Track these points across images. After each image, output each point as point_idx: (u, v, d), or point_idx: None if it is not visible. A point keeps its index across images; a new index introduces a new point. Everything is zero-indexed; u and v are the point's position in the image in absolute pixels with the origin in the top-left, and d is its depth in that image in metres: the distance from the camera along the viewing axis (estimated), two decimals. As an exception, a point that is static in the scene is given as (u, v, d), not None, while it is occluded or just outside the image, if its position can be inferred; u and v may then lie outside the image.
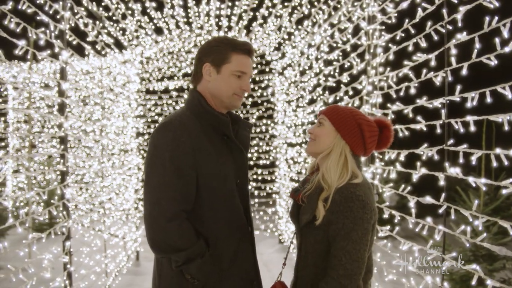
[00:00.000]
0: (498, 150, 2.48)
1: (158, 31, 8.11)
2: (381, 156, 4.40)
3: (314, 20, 6.64)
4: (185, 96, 11.20)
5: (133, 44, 7.94)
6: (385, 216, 4.10)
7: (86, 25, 5.45)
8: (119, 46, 7.36)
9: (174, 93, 11.37)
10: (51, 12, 4.28)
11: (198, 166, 2.37)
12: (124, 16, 6.96)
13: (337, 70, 5.65)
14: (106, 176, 6.83)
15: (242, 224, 2.58)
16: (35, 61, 8.77)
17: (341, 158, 2.39)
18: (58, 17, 4.42)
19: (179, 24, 7.97)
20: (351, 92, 5.05)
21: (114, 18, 6.70)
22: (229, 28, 8.36)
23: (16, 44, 3.71)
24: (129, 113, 8.20)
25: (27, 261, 3.67)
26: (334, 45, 5.80)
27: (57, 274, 4.50)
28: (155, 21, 7.60)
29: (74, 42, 4.93)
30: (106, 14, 6.41)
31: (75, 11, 4.92)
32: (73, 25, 4.79)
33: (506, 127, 2.44)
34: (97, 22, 5.94)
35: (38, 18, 4.12)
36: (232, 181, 2.55)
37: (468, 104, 2.78)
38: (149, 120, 11.75)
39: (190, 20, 7.91)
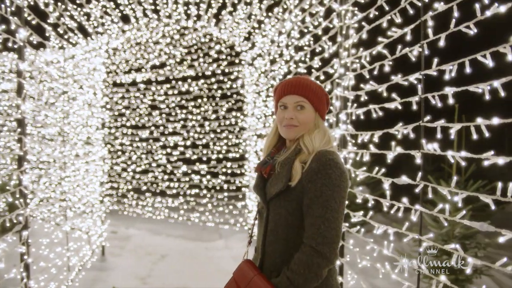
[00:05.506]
0: (479, 120, 2.36)
1: (125, 19, 7.85)
2: (353, 141, 4.27)
3: (285, 6, 6.50)
4: (153, 88, 10.99)
5: (99, 31, 7.67)
6: (358, 200, 3.97)
7: (46, 5, 5.19)
8: (84, 32, 7.08)
9: (142, 86, 11.14)
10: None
11: None
12: (88, 0, 6.69)
13: (308, 56, 5.52)
14: (68, 166, 6.55)
15: None
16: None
17: (321, 131, 2.35)
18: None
19: (146, 12, 7.73)
20: (322, 77, 4.92)
21: (77, 1, 6.43)
22: (198, 17, 8.16)
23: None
24: (94, 103, 7.93)
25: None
26: (305, 30, 5.66)
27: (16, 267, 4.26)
28: (121, 7, 7.35)
29: (34, 22, 4.67)
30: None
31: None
32: (32, 3, 4.53)
33: (487, 96, 2.33)
34: (59, 4, 5.66)
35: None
36: None
37: (446, 77, 2.66)
38: (116, 113, 11.50)
39: (158, 7, 7.68)
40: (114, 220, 10.22)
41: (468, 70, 2.47)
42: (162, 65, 10.92)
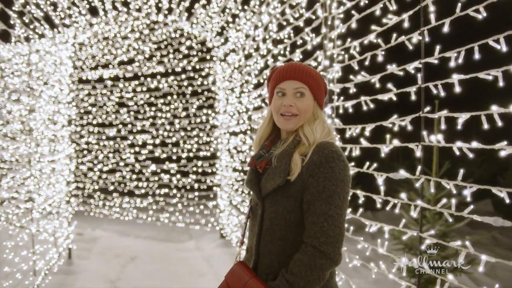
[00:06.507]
0: (494, 108, 2.20)
1: (93, 11, 7.52)
2: (338, 135, 4.11)
3: (262, -1, 6.31)
4: (121, 85, 10.67)
5: (66, 24, 7.32)
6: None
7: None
8: (50, 23, 6.73)
9: (109, 82, 10.80)
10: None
11: None
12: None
13: (288, 49, 5.34)
14: (33, 164, 6.21)
15: None
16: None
17: (321, 121, 2.18)
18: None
19: (115, 4, 7.43)
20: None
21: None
22: (170, 10, 7.90)
23: None
24: (60, 98, 7.58)
25: None
26: (285, 23, 5.48)
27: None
28: (89, -1, 7.04)
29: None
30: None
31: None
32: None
33: (501, 83, 2.18)
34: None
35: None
36: None
37: (452, 64, 2.51)
38: (82, 111, 11.13)
39: (128, 0, 7.39)
40: (79, 222, 9.85)
41: (477, 56, 2.32)
42: (131, 61, 10.58)
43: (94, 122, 11.12)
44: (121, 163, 11.04)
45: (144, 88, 10.56)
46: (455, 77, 2.47)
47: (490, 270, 6.75)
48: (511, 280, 6.50)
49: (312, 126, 2.13)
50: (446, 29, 2.58)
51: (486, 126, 2.24)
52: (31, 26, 5.90)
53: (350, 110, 3.79)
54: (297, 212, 2.04)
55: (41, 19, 6.23)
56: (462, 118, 2.39)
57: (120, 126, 10.98)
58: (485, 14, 2.34)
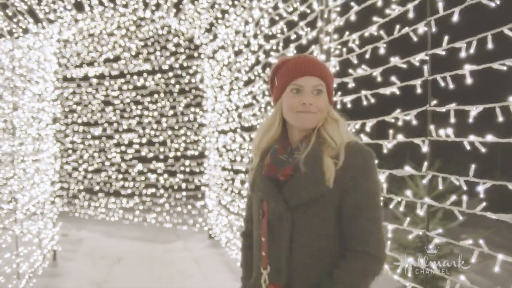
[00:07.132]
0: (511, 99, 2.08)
1: (79, 7, 7.32)
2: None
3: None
4: (106, 83, 10.47)
5: (50, 19, 7.11)
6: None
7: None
8: (34, 17, 6.54)
9: (94, 80, 10.60)
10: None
11: None
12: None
13: (281, 44, 5.21)
14: (17, 163, 6.02)
15: None
16: None
17: (341, 120, 2.01)
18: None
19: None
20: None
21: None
22: (157, 6, 7.74)
23: None
24: (44, 95, 7.38)
25: None
26: (277, 18, 5.35)
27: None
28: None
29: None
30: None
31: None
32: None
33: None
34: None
35: None
36: None
37: (463, 54, 2.39)
38: (66, 109, 10.93)
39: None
40: (64, 222, 9.59)
41: (490, 46, 2.21)
42: (116, 59, 10.39)
43: (79, 120, 10.93)
44: (107, 163, 10.85)
45: (130, 86, 10.39)
46: (467, 68, 2.35)
47: (484, 269, 6.68)
48: (506, 279, 6.44)
49: (335, 126, 1.95)
50: (455, 18, 2.47)
51: (501, 118, 2.13)
52: (15, 20, 5.72)
53: (349, 105, 3.66)
54: (334, 220, 1.87)
55: (25, 13, 6.05)
56: (473, 110, 2.28)
57: (106, 125, 10.78)
58: (498, 2, 2.23)
